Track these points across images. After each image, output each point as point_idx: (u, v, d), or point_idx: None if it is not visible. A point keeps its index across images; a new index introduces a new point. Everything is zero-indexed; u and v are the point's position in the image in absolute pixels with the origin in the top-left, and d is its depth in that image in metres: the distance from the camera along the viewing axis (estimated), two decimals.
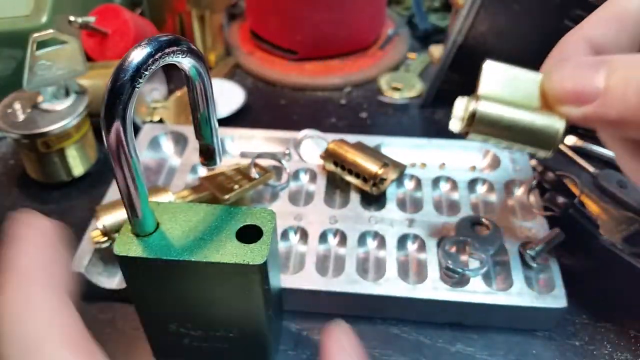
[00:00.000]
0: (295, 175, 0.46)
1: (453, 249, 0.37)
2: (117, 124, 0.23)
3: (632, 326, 0.36)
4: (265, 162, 0.45)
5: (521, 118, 0.22)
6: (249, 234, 0.28)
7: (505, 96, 0.23)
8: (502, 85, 0.23)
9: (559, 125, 0.22)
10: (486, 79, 0.23)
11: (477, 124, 0.22)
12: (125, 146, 0.24)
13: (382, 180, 0.42)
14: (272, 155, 0.46)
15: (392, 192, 0.43)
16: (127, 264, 0.27)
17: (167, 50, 0.23)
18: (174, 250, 0.27)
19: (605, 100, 0.21)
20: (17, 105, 0.45)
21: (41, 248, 0.22)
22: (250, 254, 0.26)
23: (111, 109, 0.22)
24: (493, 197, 0.43)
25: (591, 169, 0.45)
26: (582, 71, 0.22)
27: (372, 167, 0.41)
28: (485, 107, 0.22)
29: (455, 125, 0.23)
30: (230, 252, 0.27)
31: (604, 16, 0.25)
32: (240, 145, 0.49)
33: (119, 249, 0.27)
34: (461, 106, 0.23)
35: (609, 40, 0.25)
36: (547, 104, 0.23)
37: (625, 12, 0.25)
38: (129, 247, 0.27)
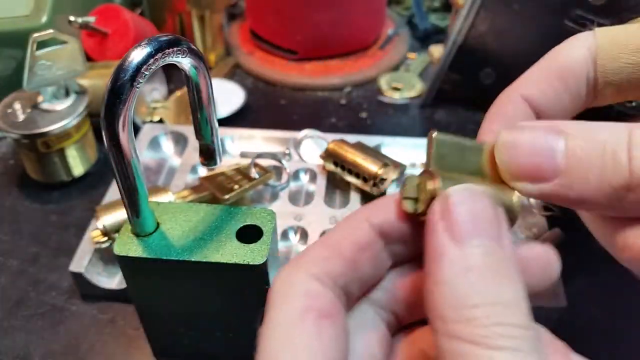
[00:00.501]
0: (295, 175, 0.46)
1: None
2: (117, 124, 0.23)
3: (632, 326, 0.36)
4: (265, 162, 0.45)
5: None
6: (249, 234, 0.28)
7: (457, 170, 0.21)
8: (451, 158, 0.21)
9: (514, 199, 0.21)
10: (436, 152, 0.21)
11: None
12: (125, 146, 0.24)
13: (382, 180, 0.42)
14: (272, 155, 0.46)
15: (392, 192, 0.43)
16: (127, 264, 0.27)
17: (167, 50, 0.23)
18: (174, 250, 0.27)
19: (565, 181, 0.20)
20: (17, 105, 0.45)
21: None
22: (250, 254, 0.26)
23: (111, 109, 0.22)
24: None
25: None
26: (537, 145, 0.20)
27: (372, 167, 0.41)
28: (445, 187, 0.20)
29: (409, 206, 0.21)
30: (230, 252, 0.27)
31: (543, 73, 0.24)
32: (240, 145, 0.49)
33: (119, 249, 0.27)
34: (414, 186, 0.21)
35: (549, 100, 0.24)
36: (496, 175, 0.21)
37: (565, 68, 0.24)
38: (129, 247, 0.27)
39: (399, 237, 0.21)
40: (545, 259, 0.20)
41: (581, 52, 0.23)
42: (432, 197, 0.20)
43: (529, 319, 0.17)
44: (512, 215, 0.21)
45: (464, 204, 0.18)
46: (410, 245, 0.22)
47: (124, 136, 0.23)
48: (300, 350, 0.18)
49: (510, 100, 0.24)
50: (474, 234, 0.18)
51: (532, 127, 0.21)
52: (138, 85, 0.23)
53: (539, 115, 0.24)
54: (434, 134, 0.21)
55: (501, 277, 0.17)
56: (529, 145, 0.20)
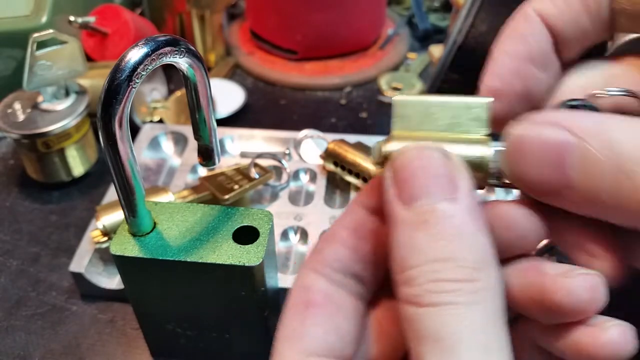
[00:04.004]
0: (295, 175, 0.46)
1: None
2: (113, 124, 0.23)
3: (632, 325, 0.36)
4: (265, 162, 0.45)
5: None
6: (246, 235, 0.28)
7: (421, 129, 0.20)
8: (416, 118, 0.21)
9: (486, 151, 0.19)
10: (398, 114, 0.21)
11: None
12: (122, 146, 0.24)
13: None
14: (272, 155, 0.46)
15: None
16: (124, 264, 0.27)
17: (164, 51, 0.23)
18: (171, 250, 0.27)
19: (576, 197, 0.18)
20: (17, 105, 0.45)
21: None
22: (246, 255, 0.26)
23: (108, 108, 0.22)
24: (493, 197, 0.43)
25: None
26: (546, 155, 0.18)
27: (372, 167, 0.41)
28: (394, 148, 0.19)
29: (377, 170, 0.20)
30: (227, 253, 0.27)
31: None
32: (240, 145, 0.49)
33: (115, 249, 0.27)
34: (377, 149, 0.20)
35: (567, 20, 0.21)
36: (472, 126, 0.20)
37: None
38: (126, 246, 0.27)
39: None
40: (531, 216, 0.19)
41: None
42: (385, 159, 0.20)
43: (476, 271, 0.16)
44: (482, 170, 0.19)
45: (410, 164, 0.18)
46: None
47: (120, 136, 0.23)
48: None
49: (527, 18, 0.22)
50: (421, 194, 0.17)
51: (541, 128, 0.18)
52: (135, 85, 0.23)
53: (556, 37, 0.21)
54: (394, 98, 0.21)
55: (446, 234, 0.17)
56: (537, 154, 0.18)
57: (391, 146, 0.20)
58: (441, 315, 0.16)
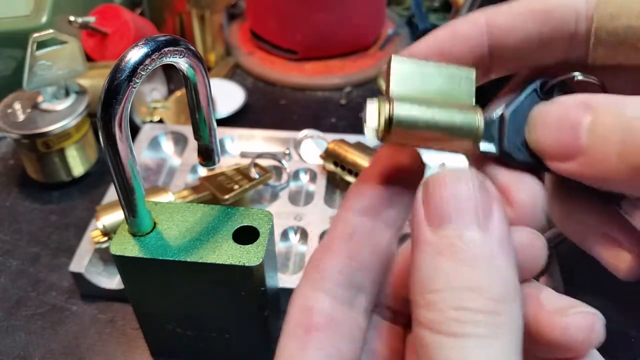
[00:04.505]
0: (295, 175, 0.46)
1: None
2: (113, 124, 0.23)
3: (633, 327, 0.36)
4: (265, 162, 0.45)
5: (440, 118, 0.20)
6: (246, 235, 0.28)
7: (418, 94, 0.20)
8: (413, 82, 0.20)
9: (478, 117, 0.20)
10: (396, 76, 0.20)
11: (396, 128, 0.19)
12: (122, 146, 0.24)
13: None
14: (272, 155, 0.46)
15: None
16: (124, 264, 0.27)
17: (164, 51, 0.23)
18: (170, 250, 0.27)
19: (587, 159, 0.19)
20: (17, 105, 0.45)
21: None
22: (246, 255, 0.26)
23: (108, 108, 0.22)
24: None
25: None
26: (563, 122, 0.20)
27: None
28: (402, 110, 0.19)
29: (370, 134, 0.20)
30: (227, 253, 0.27)
31: (522, 8, 0.21)
32: (240, 145, 0.49)
33: (115, 248, 0.27)
34: (373, 112, 0.20)
35: (516, 38, 0.21)
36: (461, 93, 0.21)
37: (547, 11, 0.21)
38: (126, 246, 0.27)
39: (383, 205, 0.21)
40: (530, 245, 0.19)
41: (577, 2, 0.21)
42: (388, 122, 0.19)
43: (500, 304, 0.16)
44: (474, 137, 0.20)
45: (444, 187, 0.18)
46: (401, 206, 0.21)
47: (120, 136, 0.23)
48: None
49: (471, 20, 0.22)
50: (451, 219, 0.17)
51: (562, 102, 0.20)
52: (135, 85, 0.23)
53: (496, 48, 0.22)
54: (393, 56, 0.20)
55: (473, 262, 0.16)
56: (555, 122, 0.20)
57: (398, 106, 0.19)
58: (461, 347, 0.16)
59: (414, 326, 0.17)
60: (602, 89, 0.22)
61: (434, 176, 0.19)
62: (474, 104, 0.21)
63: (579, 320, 0.18)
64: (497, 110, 0.22)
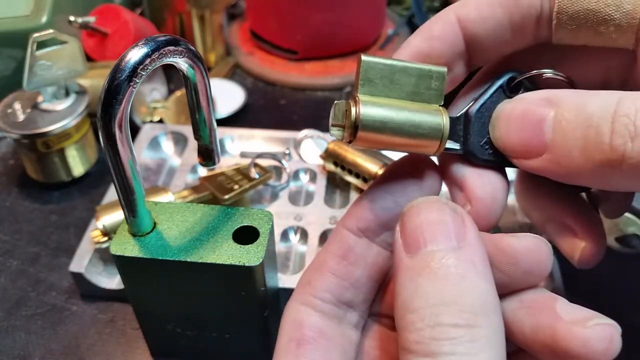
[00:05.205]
0: (295, 175, 0.46)
1: None
2: (113, 124, 0.23)
3: (632, 327, 0.36)
4: (265, 162, 0.45)
5: (406, 121, 0.20)
6: (246, 235, 0.28)
7: (386, 95, 0.20)
8: (380, 82, 0.20)
9: (444, 120, 0.20)
10: (364, 77, 0.20)
11: (363, 131, 0.19)
12: (122, 146, 0.24)
13: None
14: (272, 155, 0.46)
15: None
16: (124, 264, 0.27)
17: (164, 51, 0.23)
18: (170, 250, 0.27)
19: (552, 156, 0.19)
20: (17, 105, 0.45)
21: None
22: (246, 255, 0.26)
23: (108, 108, 0.22)
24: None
25: None
26: (528, 119, 0.20)
27: (372, 167, 0.41)
28: (368, 115, 0.19)
29: (336, 134, 0.20)
30: (227, 253, 0.27)
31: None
32: (240, 145, 0.49)
33: (115, 248, 0.27)
34: (340, 112, 0.20)
35: (488, 27, 0.22)
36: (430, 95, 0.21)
37: None
38: (126, 246, 0.27)
39: (378, 226, 0.21)
40: (536, 251, 0.19)
41: None
42: (355, 125, 0.19)
43: (477, 316, 0.16)
44: (440, 138, 0.20)
45: (417, 215, 0.18)
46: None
47: (120, 136, 0.23)
48: None
49: (442, 18, 0.22)
50: (426, 243, 0.18)
51: (526, 99, 0.20)
52: (135, 85, 0.23)
53: (471, 41, 0.22)
54: (362, 56, 0.20)
55: (448, 279, 0.17)
56: (519, 119, 0.20)
57: (365, 110, 0.19)
58: None
59: (400, 352, 0.17)
60: (571, 86, 0.22)
61: (409, 206, 0.19)
62: (442, 103, 0.21)
63: (599, 332, 0.18)
64: (463, 108, 0.22)
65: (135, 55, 0.22)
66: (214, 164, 0.30)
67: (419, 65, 0.21)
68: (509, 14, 0.21)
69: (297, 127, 0.49)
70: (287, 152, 0.47)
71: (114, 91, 0.22)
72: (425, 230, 0.18)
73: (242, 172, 0.43)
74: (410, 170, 0.22)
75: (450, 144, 0.22)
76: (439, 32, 0.22)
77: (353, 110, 0.19)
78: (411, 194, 0.21)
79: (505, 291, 0.20)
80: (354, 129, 0.19)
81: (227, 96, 0.56)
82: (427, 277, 0.17)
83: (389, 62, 0.20)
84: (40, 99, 0.45)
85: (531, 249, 0.19)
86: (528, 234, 0.20)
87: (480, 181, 0.21)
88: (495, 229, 0.39)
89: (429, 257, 0.17)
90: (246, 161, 0.45)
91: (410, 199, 0.19)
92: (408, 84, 0.21)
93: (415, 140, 0.20)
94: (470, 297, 0.17)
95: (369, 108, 0.19)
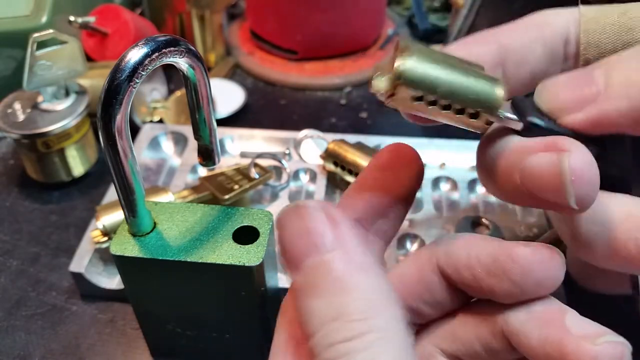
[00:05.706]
0: (295, 175, 0.46)
1: None
2: (113, 124, 0.23)
3: (634, 328, 0.36)
4: (265, 162, 0.45)
5: (455, 79, 0.18)
6: (246, 235, 0.28)
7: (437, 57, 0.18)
8: (425, 56, 0.18)
9: (500, 85, 0.18)
10: (405, 51, 0.18)
11: (405, 85, 0.17)
12: (122, 146, 0.24)
13: None
14: (272, 155, 0.46)
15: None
16: (124, 264, 0.27)
17: (164, 51, 0.23)
18: (171, 250, 0.27)
19: (608, 98, 0.18)
20: (17, 105, 0.45)
21: None
22: (246, 255, 0.26)
23: (108, 108, 0.22)
24: (493, 197, 0.43)
25: None
26: (578, 78, 0.19)
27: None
28: (414, 64, 0.17)
29: (377, 84, 0.18)
30: (227, 253, 0.27)
31: (522, 24, 0.23)
32: (240, 145, 0.49)
33: (115, 248, 0.27)
34: (387, 62, 0.18)
35: (523, 48, 0.22)
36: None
37: (544, 22, 0.22)
38: (126, 246, 0.27)
39: (376, 216, 0.22)
40: (550, 262, 0.19)
41: (564, 15, 0.23)
42: (396, 76, 0.17)
43: (365, 322, 0.15)
44: (494, 104, 0.18)
45: (288, 228, 0.18)
46: (394, 216, 0.22)
47: (120, 136, 0.23)
48: None
49: (486, 41, 0.22)
50: (301, 257, 0.17)
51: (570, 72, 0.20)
52: (135, 85, 0.23)
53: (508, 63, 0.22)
54: (400, 38, 0.19)
55: (330, 290, 0.16)
56: (568, 80, 0.19)
57: (411, 61, 0.17)
58: None
59: None
60: None
61: (277, 218, 0.18)
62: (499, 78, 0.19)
63: (609, 350, 0.17)
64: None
65: (135, 55, 0.22)
66: (214, 164, 0.30)
67: (466, 61, 0.19)
68: (541, 36, 0.23)
69: (297, 127, 0.49)
70: (287, 152, 0.47)
71: (114, 91, 0.22)
72: (295, 244, 0.17)
73: (242, 172, 0.43)
74: (395, 157, 0.22)
75: (508, 114, 0.19)
76: (543, 20, 0.23)
77: (399, 60, 0.17)
78: (401, 180, 0.21)
79: (514, 300, 0.19)
80: (397, 79, 0.17)
81: (227, 96, 0.56)
82: (313, 295, 0.16)
83: (428, 48, 0.19)
84: (40, 99, 0.45)
85: (545, 261, 0.19)
86: (542, 244, 0.19)
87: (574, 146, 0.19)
88: (495, 229, 0.39)
89: (309, 273, 0.17)
90: (246, 161, 0.45)
91: (402, 185, 0.19)
92: (451, 64, 0.18)
93: (465, 104, 0.18)
94: (355, 303, 0.16)
95: (416, 61, 0.17)
